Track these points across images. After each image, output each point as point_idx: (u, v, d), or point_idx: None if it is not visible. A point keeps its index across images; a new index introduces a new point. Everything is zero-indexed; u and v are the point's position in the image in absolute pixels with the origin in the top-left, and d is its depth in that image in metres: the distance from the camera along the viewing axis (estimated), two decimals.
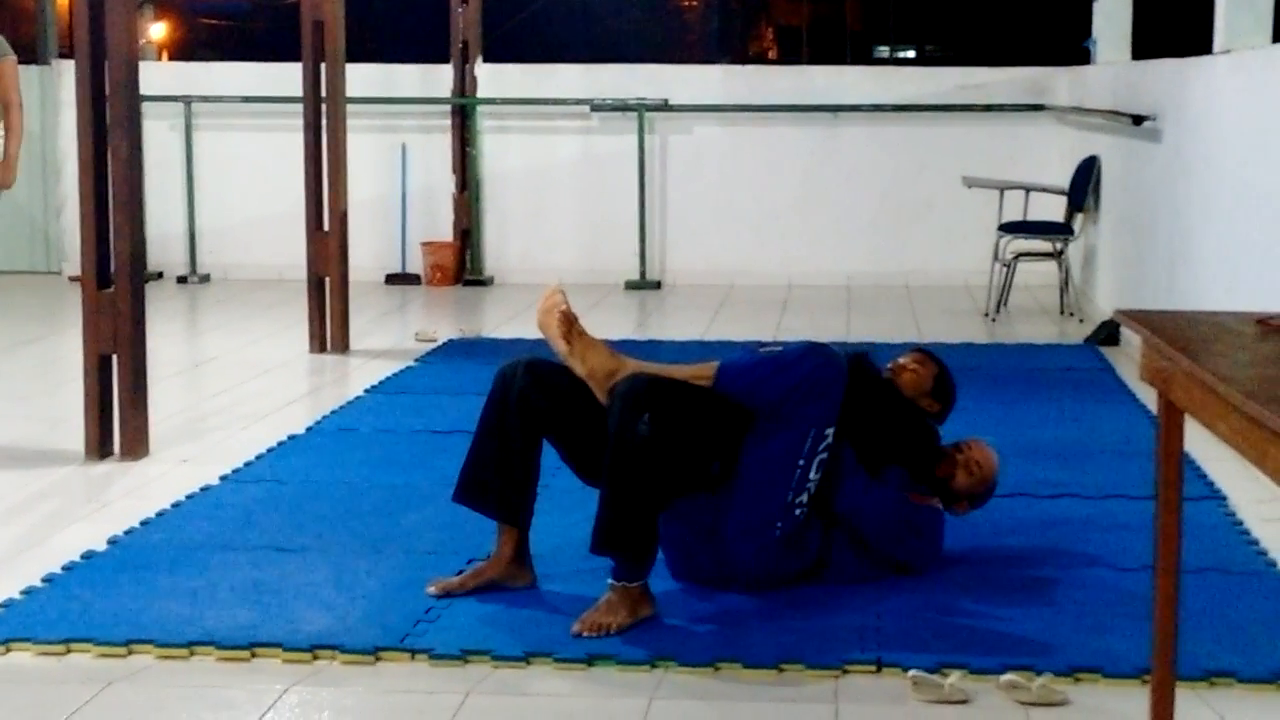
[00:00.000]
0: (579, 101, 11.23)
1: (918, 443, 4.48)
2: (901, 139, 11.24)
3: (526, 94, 11.35)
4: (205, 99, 11.35)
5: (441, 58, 11.48)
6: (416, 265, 11.29)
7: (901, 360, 4.70)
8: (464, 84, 11.34)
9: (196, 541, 4.72)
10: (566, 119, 11.34)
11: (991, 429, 5.53)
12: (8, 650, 3.86)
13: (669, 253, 11.30)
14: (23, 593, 4.22)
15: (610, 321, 9.03)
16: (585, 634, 3.91)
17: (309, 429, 6.29)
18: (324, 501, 5.19)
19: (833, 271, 11.15)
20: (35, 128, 11.00)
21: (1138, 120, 8.08)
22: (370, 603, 4.16)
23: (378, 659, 3.80)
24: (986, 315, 9.56)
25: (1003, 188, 10.00)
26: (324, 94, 8.22)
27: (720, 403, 4.12)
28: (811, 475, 4.13)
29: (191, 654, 3.82)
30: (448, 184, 11.33)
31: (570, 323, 4.17)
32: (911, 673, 3.64)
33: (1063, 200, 9.82)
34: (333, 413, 6.61)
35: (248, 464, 5.69)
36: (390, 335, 8.91)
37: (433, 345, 8.40)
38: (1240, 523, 4.94)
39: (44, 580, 4.33)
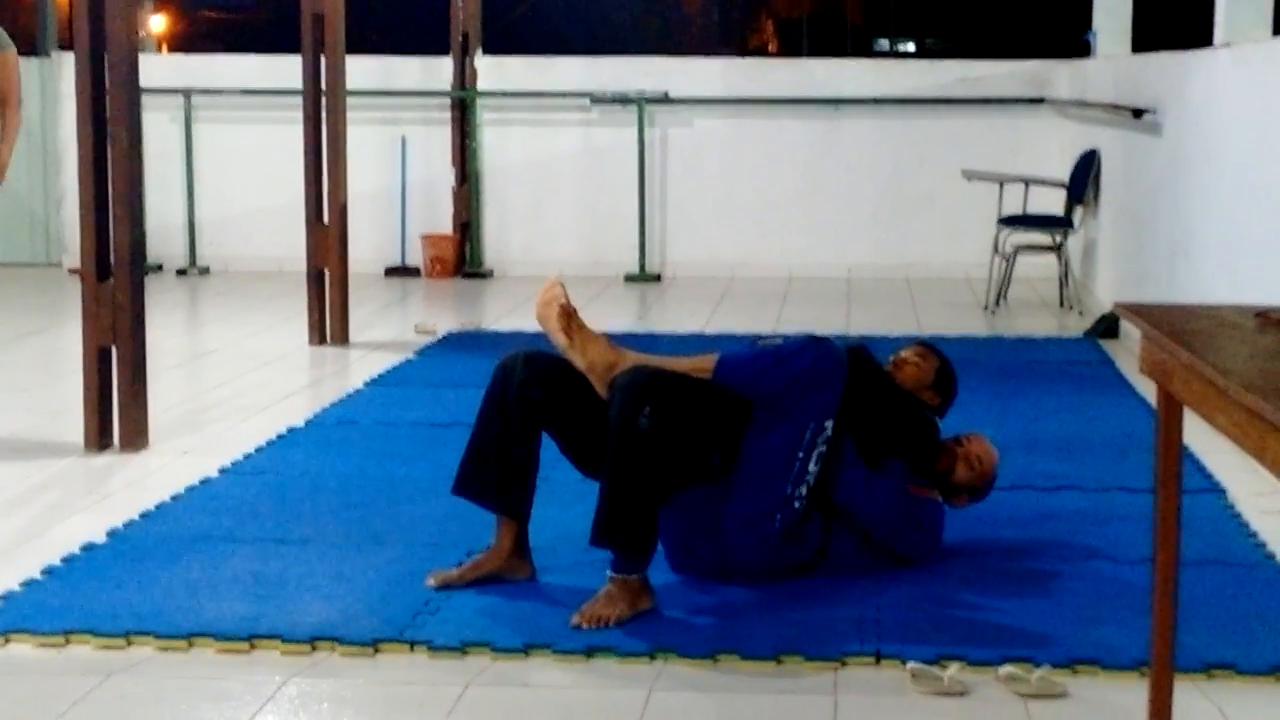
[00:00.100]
0: (579, 94, 11.23)
1: (917, 435, 4.48)
2: (902, 132, 11.24)
3: (527, 87, 11.35)
4: (205, 91, 11.35)
5: (441, 50, 11.47)
6: (416, 258, 11.28)
7: (903, 353, 4.71)
8: (464, 76, 11.34)
9: (196, 533, 4.72)
10: (567, 112, 11.34)
11: (991, 422, 5.54)
12: (7, 642, 3.86)
13: (669, 245, 11.30)
14: (22, 585, 4.22)
15: (610, 314, 9.02)
16: (585, 626, 3.91)
17: (309, 421, 6.29)
18: (323, 494, 5.20)
19: (833, 264, 11.15)
20: (35, 120, 10.99)
21: (1138, 113, 8.08)
22: (370, 595, 4.16)
23: (377, 651, 3.81)
24: (986, 308, 9.57)
25: (1003, 181, 9.99)
26: (324, 86, 8.22)
27: (720, 395, 4.13)
28: (811, 468, 4.14)
29: (191, 646, 3.83)
30: (448, 176, 11.33)
31: (570, 316, 4.18)
32: (910, 664, 3.64)
33: (1063, 193, 9.82)
34: (332, 405, 6.61)
35: (247, 456, 5.69)
36: (390, 328, 8.91)
37: (432, 338, 8.40)
38: (1239, 515, 4.94)
39: (44, 572, 4.33)
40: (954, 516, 4.56)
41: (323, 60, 8.22)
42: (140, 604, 4.07)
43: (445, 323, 8.90)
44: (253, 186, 11.40)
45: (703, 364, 4.21)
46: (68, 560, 4.44)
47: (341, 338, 8.20)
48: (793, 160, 11.28)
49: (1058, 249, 9.61)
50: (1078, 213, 9.68)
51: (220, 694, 3.58)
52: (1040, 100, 11.12)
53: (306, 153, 8.21)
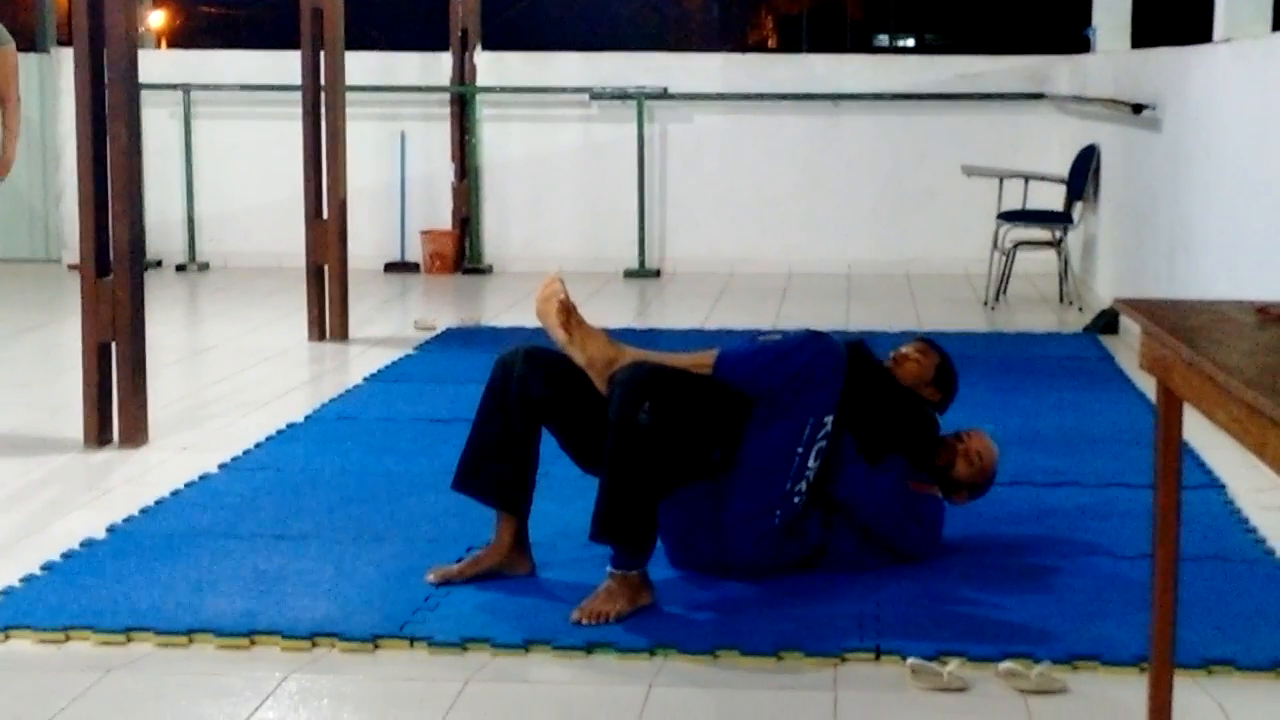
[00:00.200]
0: (579, 90, 11.22)
1: (916, 431, 4.48)
2: (901, 128, 11.24)
3: (526, 82, 11.35)
4: (204, 87, 11.34)
5: (441, 45, 11.47)
6: (416, 254, 11.28)
7: (904, 349, 4.71)
8: (463, 72, 11.33)
9: (196, 529, 4.72)
10: (566, 107, 11.34)
11: (990, 417, 5.54)
12: (7, 638, 3.86)
13: (668, 241, 11.30)
14: (22, 580, 4.22)
15: (610, 310, 9.02)
16: (584, 622, 3.91)
17: (308, 417, 6.29)
18: (323, 490, 5.20)
19: (833, 260, 11.15)
20: (34, 116, 10.99)
21: (1137, 109, 8.08)
22: (369, 590, 4.16)
23: (377, 647, 3.81)
24: (986, 304, 9.56)
25: (1002, 176, 9.99)
26: (323, 82, 8.22)
27: (720, 391, 4.13)
28: (810, 464, 4.14)
29: (191, 642, 3.83)
30: (447, 172, 11.33)
31: (569, 311, 4.17)
32: (910, 660, 3.64)
33: (1062, 189, 9.82)
34: (332, 401, 6.61)
35: (247, 452, 5.69)
36: (389, 323, 8.91)
37: (432, 334, 8.40)
38: (1239, 511, 4.94)
39: (43, 568, 4.33)
40: (953, 512, 4.56)
41: (322, 56, 8.21)
42: (140, 600, 4.07)
43: (445, 318, 8.90)
44: (252, 182, 11.39)
45: (702, 360, 4.21)
46: (67, 556, 4.44)
47: (341, 333, 8.20)
48: (792, 156, 11.28)
49: (1057, 244, 9.60)
50: (1077, 208, 9.68)
51: (220, 690, 3.58)
52: (1040, 96, 11.12)
53: (306, 148, 8.20)
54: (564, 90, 11.25)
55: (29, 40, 11.35)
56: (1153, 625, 3.03)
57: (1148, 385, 5.37)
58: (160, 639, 3.83)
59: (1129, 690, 3.51)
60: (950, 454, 4.49)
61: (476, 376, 4.60)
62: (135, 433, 5.85)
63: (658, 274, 11.12)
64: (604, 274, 10.90)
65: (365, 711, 3.52)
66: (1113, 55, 10.08)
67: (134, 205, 5.85)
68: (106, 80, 5.82)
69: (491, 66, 11.40)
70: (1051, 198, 9.92)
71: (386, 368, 7.38)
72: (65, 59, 10.35)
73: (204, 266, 11.33)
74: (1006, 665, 3.62)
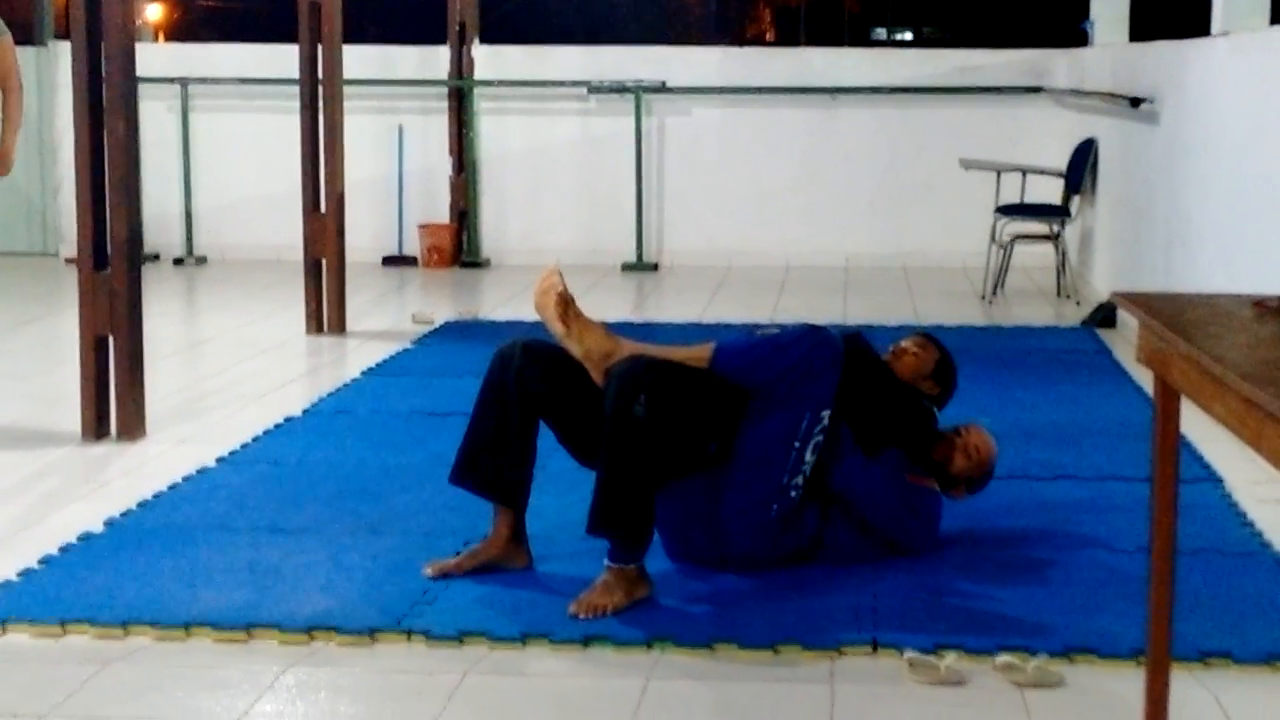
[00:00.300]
0: (577, 83, 11.21)
1: (914, 424, 4.48)
2: (899, 121, 11.23)
3: (524, 76, 11.34)
4: (202, 80, 11.33)
5: (439, 39, 11.46)
6: (413, 247, 11.28)
7: (903, 343, 4.71)
8: (461, 65, 11.33)
9: (193, 523, 4.72)
10: (564, 101, 11.33)
11: (988, 411, 5.54)
12: (5, 631, 3.86)
13: (666, 234, 11.30)
14: (19, 574, 4.22)
15: (608, 303, 9.02)
16: (582, 615, 3.91)
17: (306, 410, 6.29)
18: (321, 483, 5.20)
19: (830, 253, 11.15)
20: (32, 109, 10.97)
21: (1135, 102, 8.08)
22: (367, 584, 4.16)
23: (374, 640, 3.81)
24: (983, 297, 9.56)
25: (1000, 170, 9.99)
26: (321, 75, 8.21)
27: (717, 384, 4.13)
28: (807, 457, 4.14)
29: (188, 635, 3.83)
30: (445, 166, 11.32)
31: (567, 304, 4.17)
32: (907, 653, 3.65)
33: (1060, 183, 9.82)
34: (330, 394, 6.61)
35: (244, 445, 5.69)
36: (387, 317, 8.90)
37: (430, 327, 8.39)
38: (1236, 504, 4.95)
39: (41, 561, 4.33)
40: (951, 505, 4.56)
41: (320, 49, 8.20)
42: (137, 593, 4.08)
43: (442, 312, 8.89)
44: (250, 176, 11.38)
45: (699, 353, 4.21)
46: (65, 549, 4.44)
47: (338, 327, 8.20)
48: (790, 149, 11.28)
49: (1055, 238, 9.60)
50: (1075, 202, 9.68)
51: (218, 683, 3.58)
52: (1038, 89, 11.11)
53: (303, 142, 8.20)
54: (562, 84, 11.24)
55: (26, 33, 11.34)
56: (1149, 618, 3.04)
57: (1145, 379, 5.38)
58: (158, 632, 3.83)
59: (1126, 683, 3.52)
60: (948, 448, 4.49)
61: (474, 370, 4.60)
62: (133, 426, 5.85)
63: (655, 267, 11.12)
64: (602, 267, 10.89)
65: (363, 704, 3.52)
66: (1111, 49, 10.08)
67: (131, 199, 5.85)
68: (104, 74, 5.82)
69: (489, 60, 11.39)
70: (1049, 191, 9.91)
71: (384, 361, 7.38)
72: (63, 52, 10.35)
73: (201, 260, 11.32)
74: (1003, 658, 3.62)
